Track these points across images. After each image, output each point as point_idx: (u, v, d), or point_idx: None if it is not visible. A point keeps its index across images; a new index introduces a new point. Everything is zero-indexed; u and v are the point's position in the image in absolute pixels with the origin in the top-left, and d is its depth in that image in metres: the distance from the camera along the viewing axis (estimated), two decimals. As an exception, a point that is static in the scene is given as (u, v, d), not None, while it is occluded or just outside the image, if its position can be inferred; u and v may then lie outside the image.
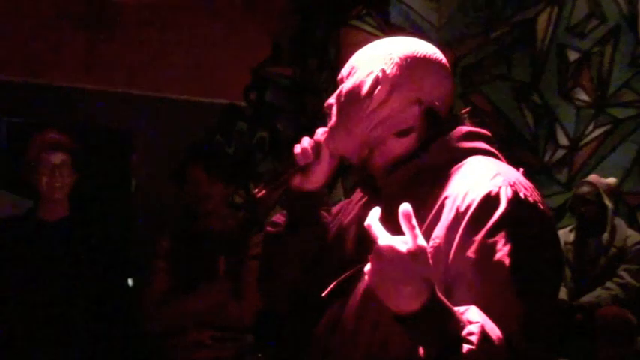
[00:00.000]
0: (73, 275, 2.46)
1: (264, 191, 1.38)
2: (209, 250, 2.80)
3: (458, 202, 1.12)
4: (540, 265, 1.09)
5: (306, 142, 1.38)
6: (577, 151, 4.39)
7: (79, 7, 4.69)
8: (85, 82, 4.71)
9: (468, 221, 1.10)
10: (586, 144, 4.37)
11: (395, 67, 1.28)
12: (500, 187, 1.11)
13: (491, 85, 4.68)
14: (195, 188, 2.83)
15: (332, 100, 1.35)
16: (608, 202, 3.91)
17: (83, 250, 2.50)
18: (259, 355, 2.86)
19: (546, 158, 4.47)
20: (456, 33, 4.87)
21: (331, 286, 1.22)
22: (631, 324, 3.63)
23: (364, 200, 1.37)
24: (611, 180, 4.02)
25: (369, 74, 1.29)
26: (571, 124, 4.40)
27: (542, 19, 4.53)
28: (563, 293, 3.92)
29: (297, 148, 1.37)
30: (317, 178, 1.38)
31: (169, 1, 4.99)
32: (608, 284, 3.80)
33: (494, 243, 1.07)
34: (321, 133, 1.38)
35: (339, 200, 2.17)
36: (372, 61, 1.31)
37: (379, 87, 1.27)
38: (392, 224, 1.01)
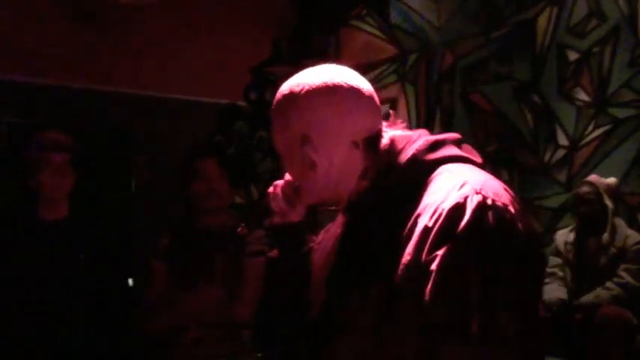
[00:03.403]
0: (73, 275, 2.45)
1: (246, 230, 1.58)
2: (208, 249, 2.80)
3: (426, 219, 1.07)
4: (509, 274, 1.03)
5: (277, 191, 1.47)
6: (577, 151, 4.39)
7: (79, 7, 4.69)
8: (85, 82, 4.72)
9: (434, 236, 1.05)
10: (586, 144, 4.37)
11: (314, 126, 1.22)
12: (466, 197, 1.05)
13: (491, 85, 4.69)
14: (206, 183, 2.83)
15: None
16: (608, 202, 3.91)
17: (83, 249, 2.49)
18: (259, 354, 2.86)
19: (546, 158, 4.47)
20: (456, 33, 4.87)
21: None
22: (631, 324, 3.63)
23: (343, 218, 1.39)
24: (611, 180, 4.02)
25: (293, 145, 1.26)
26: (571, 124, 4.41)
27: (542, 19, 4.53)
28: (563, 293, 3.93)
29: (270, 195, 1.48)
30: (294, 217, 1.49)
31: (169, 2, 4.99)
32: (608, 284, 3.80)
33: (457, 256, 1.02)
34: (282, 185, 1.47)
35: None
36: (288, 123, 1.25)
37: (312, 157, 1.23)
38: (366, 240, 1.09)
